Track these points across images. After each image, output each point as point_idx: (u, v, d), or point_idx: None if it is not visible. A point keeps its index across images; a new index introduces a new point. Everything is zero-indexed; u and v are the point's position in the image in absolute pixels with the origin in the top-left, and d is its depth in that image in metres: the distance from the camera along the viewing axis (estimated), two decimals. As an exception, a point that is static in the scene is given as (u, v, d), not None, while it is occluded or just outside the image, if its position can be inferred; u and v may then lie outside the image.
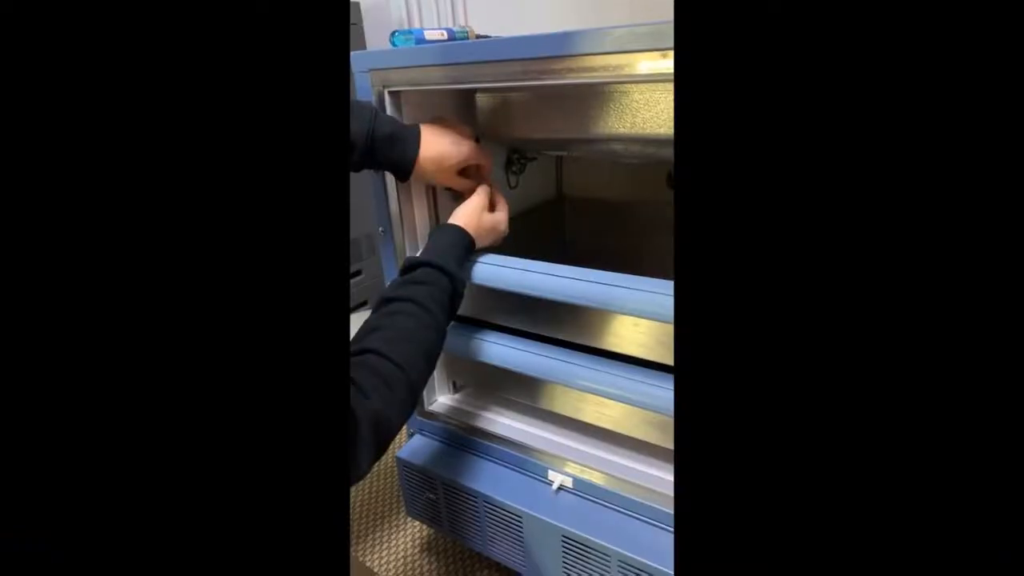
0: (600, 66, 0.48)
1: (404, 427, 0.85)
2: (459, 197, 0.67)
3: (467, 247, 0.61)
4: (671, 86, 0.55)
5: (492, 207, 0.66)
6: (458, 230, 0.61)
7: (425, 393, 0.81)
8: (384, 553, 0.94)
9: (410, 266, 0.55)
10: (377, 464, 1.14)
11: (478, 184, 0.65)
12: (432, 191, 0.73)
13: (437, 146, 0.60)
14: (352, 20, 1.37)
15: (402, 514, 1.00)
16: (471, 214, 0.62)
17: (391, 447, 1.24)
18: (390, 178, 0.67)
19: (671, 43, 0.44)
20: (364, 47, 1.39)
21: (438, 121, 0.64)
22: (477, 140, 0.67)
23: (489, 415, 0.79)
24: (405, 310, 0.51)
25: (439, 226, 0.63)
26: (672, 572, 0.57)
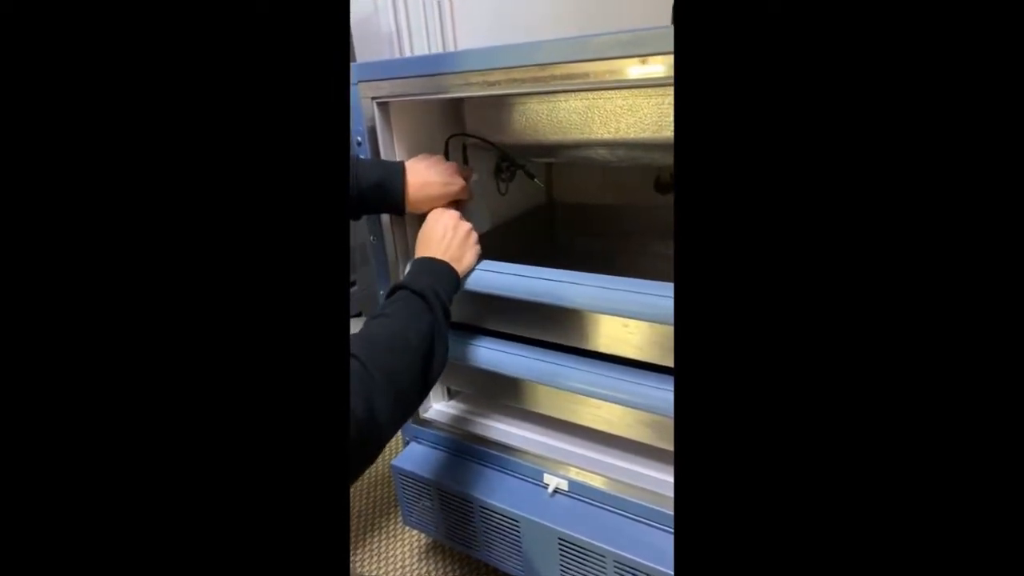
0: (582, 73, 0.49)
1: (400, 436, 0.85)
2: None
3: (432, 268, 0.60)
4: (652, 92, 0.57)
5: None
6: (419, 260, 0.62)
7: (420, 400, 0.81)
8: (382, 562, 0.93)
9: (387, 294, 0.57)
10: (373, 474, 1.14)
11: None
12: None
13: (421, 175, 0.63)
14: (342, 34, 1.38)
15: (399, 523, 1.00)
16: (426, 241, 0.63)
17: (386, 455, 1.23)
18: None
19: (651, 49, 0.46)
20: (354, 59, 1.40)
21: (425, 156, 0.67)
22: (467, 178, 0.68)
23: (484, 420, 0.80)
24: (374, 324, 0.52)
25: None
26: (669, 572, 0.58)
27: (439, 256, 0.61)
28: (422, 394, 0.54)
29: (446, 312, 0.57)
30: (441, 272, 0.59)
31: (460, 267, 0.62)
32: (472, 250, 0.64)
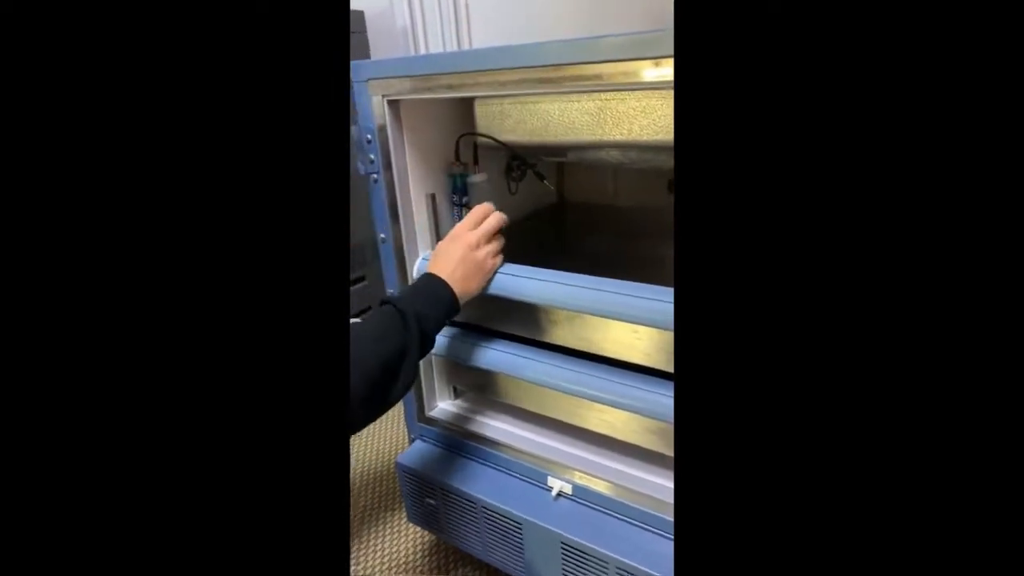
0: (594, 74, 0.48)
1: (405, 433, 0.85)
2: (463, 212, 0.66)
3: (428, 290, 0.59)
4: (666, 94, 0.56)
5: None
6: (423, 276, 0.61)
7: (425, 399, 0.81)
8: (385, 558, 0.94)
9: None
10: (378, 469, 1.15)
11: None
12: (432, 199, 0.73)
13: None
14: (356, 29, 1.39)
15: (403, 519, 1.00)
16: (437, 258, 0.62)
17: (391, 451, 1.23)
18: (393, 187, 0.68)
19: (664, 51, 0.45)
20: (368, 56, 1.40)
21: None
22: None
23: (489, 421, 0.79)
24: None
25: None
26: (670, 580, 0.57)
27: (445, 277, 0.59)
28: (376, 411, 0.53)
29: (424, 336, 0.56)
30: (435, 294, 0.58)
31: (463, 292, 0.60)
32: (483, 278, 0.63)
